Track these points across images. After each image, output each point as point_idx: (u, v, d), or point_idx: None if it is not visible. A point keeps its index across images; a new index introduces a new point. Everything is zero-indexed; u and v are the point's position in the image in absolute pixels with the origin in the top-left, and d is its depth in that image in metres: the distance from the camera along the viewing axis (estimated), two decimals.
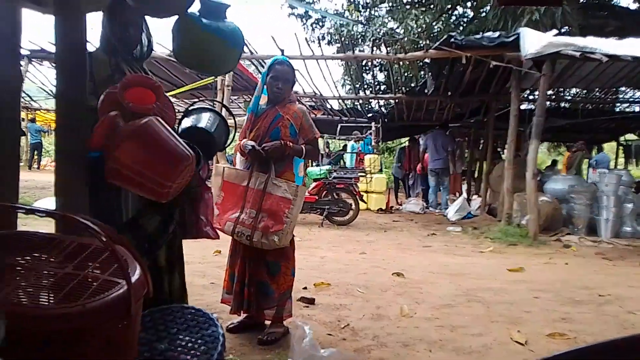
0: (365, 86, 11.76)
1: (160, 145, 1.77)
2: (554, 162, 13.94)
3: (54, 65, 9.61)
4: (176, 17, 2.37)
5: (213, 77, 8.20)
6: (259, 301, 2.74)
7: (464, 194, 10.78)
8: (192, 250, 4.99)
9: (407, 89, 10.48)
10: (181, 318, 1.72)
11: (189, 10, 2.41)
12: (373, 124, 11.60)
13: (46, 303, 1.14)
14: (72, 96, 1.83)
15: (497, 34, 7.26)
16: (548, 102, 9.40)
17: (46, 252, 1.35)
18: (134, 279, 1.13)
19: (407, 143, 12.31)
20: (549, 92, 9.65)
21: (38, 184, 10.43)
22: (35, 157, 17.21)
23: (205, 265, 4.53)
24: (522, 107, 9.75)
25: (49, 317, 1.03)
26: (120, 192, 2.08)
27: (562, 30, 9.72)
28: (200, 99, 9.35)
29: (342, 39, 11.66)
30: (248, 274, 2.77)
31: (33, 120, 16.64)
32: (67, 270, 1.22)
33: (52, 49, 8.96)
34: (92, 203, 1.85)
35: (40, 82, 11.77)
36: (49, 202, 7.53)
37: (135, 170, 1.75)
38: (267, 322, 2.78)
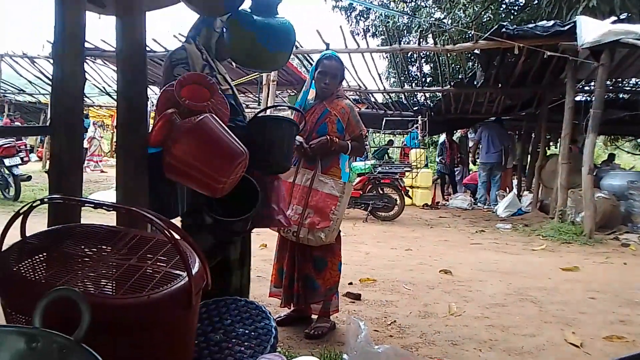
0: (411, 79, 11.59)
1: (215, 141, 1.82)
2: (611, 156, 13.28)
3: (106, 63, 10.06)
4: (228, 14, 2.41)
5: (259, 73, 8.30)
6: (306, 295, 2.77)
7: (515, 190, 10.46)
8: None
9: (455, 81, 10.24)
10: (235, 310, 1.77)
11: (241, 7, 2.45)
12: (419, 117, 11.42)
13: (111, 293, 1.19)
14: (133, 94, 1.90)
15: (551, 22, 6.98)
16: (606, 94, 8.94)
17: (111, 244, 1.42)
18: (194, 271, 1.17)
19: (445, 137, 11.98)
20: (607, 82, 9.20)
21: (91, 178, 10.93)
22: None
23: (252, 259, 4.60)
24: (578, 98, 9.33)
25: (115, 307, 1.08)
26: (176, 188, 2.14)
27: (622, 17, 9.21)
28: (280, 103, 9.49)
29: (387, 30, 11.50)
30: (296, 269, 2.81)
31: (86, 117, 17.39)
32: (131, 262, 1.27)
33: (106, 47, 9.33)
34: (151, 197, 1.92)
35: (93, 79, 12.28)
36: (104, 196, 7.87)
37: (191, 165, 1.80)
38: (314, 317, 2.82)
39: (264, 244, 5.17)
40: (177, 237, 1.22)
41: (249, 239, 2.44)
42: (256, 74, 8.46)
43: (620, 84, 11.51)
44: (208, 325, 1.71)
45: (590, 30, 6.13)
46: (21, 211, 1.27)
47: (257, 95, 9.85)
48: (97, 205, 1.25)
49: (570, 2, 9.42)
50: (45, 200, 1.31)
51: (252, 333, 1.69)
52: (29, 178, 8.30)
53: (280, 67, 3.15)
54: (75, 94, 1.97)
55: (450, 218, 8.38)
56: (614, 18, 7.40)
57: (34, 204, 1.23)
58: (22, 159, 8.13)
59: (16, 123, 14.55)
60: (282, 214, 2.32)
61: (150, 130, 1.94)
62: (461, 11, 12.42)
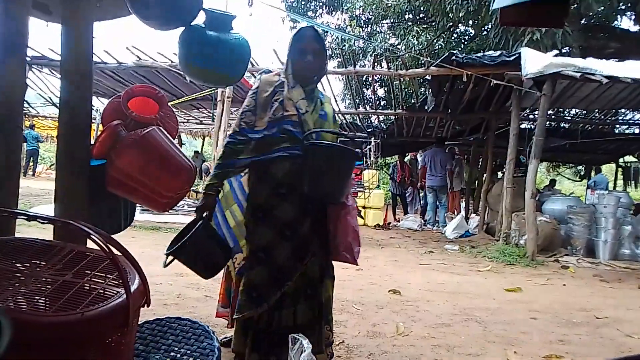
0: (365, 101, 11.82)
1: (161, 155, 1.78)
2: (553, 182, 13.95)
3: (53, 72, 9.69)
4: (182, 28, 2.39)
5: (213, 88, 8.24)
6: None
7: (462, 212, 10.77)
8: None
9: (407, 105, 10.54)
10: (177, 329, 1.71)
11: (195, 22, 2.43)
12: (372, 139, 11.64)
13: (44, 310, 1.13)
14: (76, 104, 1.83)
15: (498, 52, 7.33)
16: (548, 122, 9.44)
17: (45, 259, 1.35)
18: (133, 288, 1.13)
19: (397, 158, 12.34)
20: (549, 111, 9.71)
21: (33, 191, 10.41)
22: (31, 164, 17.16)
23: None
24: (522, 126, 9.80)
25: (47, 325, 1.02)
26: (119, 201, 2.07)
27: (563, 51, 9.81)
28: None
29: (343, 53, 11.74)
30: None
31: (32, 127, 16.64)
32: (67, 277, 1.21)
33: (53, 55, 8.96)
34: (94, 211, 1.85)
35: (39, 88, 11.80)
36: (46, 210, 7.50)
37: (135, 179, 1.75)
38: None
39: None
40: (116, 252, 1.17)
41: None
42: (211, 89, 8.39)
43: (561, 114, 12.19)
44: (147, 345, 1.64)
45: (534, 61, 6.48)
46: None
47: (212, 112, 9.74)
48: (31, 217, 1.19)
49: (516, 34, 9.94)
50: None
51: (195, 353, 1.64)
52: None
53: (232, 83, 3.13)
54: (14, 101, 1.88)
55: (401, 238, 8.51)
56: (556, 51, 7.87)
57: None
58: None
59: None
60: (348, 249, 2.09)
61: (94, 142, 1.88)
62: (415, 38, 12.86)
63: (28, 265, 1.34)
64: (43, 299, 1.19)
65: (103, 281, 1.24)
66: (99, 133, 1.85)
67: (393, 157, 15.00)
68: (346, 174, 2.11)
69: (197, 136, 18.17)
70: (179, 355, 1.59)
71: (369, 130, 12.52)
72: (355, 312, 3.54)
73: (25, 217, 1.23)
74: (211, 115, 10.07)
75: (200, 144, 20.44)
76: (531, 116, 10.92)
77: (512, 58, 6.84)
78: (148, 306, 1.18)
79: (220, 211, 2.47)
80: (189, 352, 1.61)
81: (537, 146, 6.60)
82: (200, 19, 2.46)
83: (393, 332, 3.11)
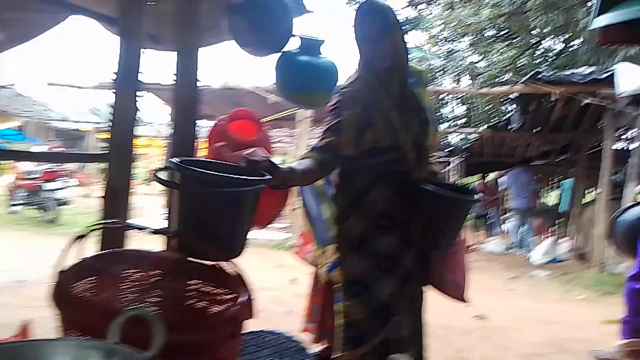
0: (443, 119, 11.61)
1: None
2: None
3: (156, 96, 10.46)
4: (278, 54, 2.52)
5: (296, 109, 8.49)
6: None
7: (551, 237, 10.15)
8: (267, 277, 5.12)
9: (490, 124, 10.20)
10: (271, 342, 1.78)
11: (288, 48, 2.55)
12: (453, 158, 11.37)
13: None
14: (185, 126, 1.99)
15: (589, 70, 6.94)
16: None
17: (159, 269, 1.46)
18: (242, 299, 1.19)
19: (478, 179, 11.92)
20: None
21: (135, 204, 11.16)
22: None
23: (281, 292, 4.61)
24: (617, 146, 9.14)
25: (179, 330, 1.09)
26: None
27: None
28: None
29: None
30: (329, 306, 2.79)
31: None
32: (180, 287, 1.31)
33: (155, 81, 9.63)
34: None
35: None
36: (146, 222, 8.05)
37: None
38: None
39: (294, 279, 5.16)
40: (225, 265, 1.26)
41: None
42: (292, 110, 8.64)
43: None
44: (245, 356, 1.72)
45: (630, 78, 6.06)
46: (79, 234, 1.32)
47: (292, 131, 10.01)
48: (156, 232, 1.30)
49: (608, 50, 9.37)
50: (104, 224, 1.37)
51: None
52: (67, 202, 8.59)
53: (321, 105, 3.22)
54: (128, 124, 2.08)
55: (484, 262, 8.18)
56: None
57: (93, 228, 1.28)
58: (63, 183, 8.45)
59: (58, 149, 15.16)
60: (457, 286, 1.97)
61: None
62: (496, 55, 12.49)
63: (144, 273, 1.46)
64: (159, 306, 1.29)
65: (213, 292, 1.33)
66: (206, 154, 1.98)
67: (474, 177, 14.54)
68: (463, 223, 1.90)
69: (277, 154, 18.75)
70: None
71: (447, 149, 12.26)
72: (439, 336, 3.45)
73: (148, 231, 1.35)
74: (290, 134, 10.35)
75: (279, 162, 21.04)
76: (626, 135, 10.17)
77: (604, 76, 6.44)
78: (251, 317, 1.25)
79: (316, 204, 2.53)
80: None
81: (634, 168, 6.12)
82: (292, 45, 2.60)
83: None
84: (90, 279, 1.32)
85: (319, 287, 2.87)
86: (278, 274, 5.60)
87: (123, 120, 2.01)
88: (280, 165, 1.56)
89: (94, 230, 1.28)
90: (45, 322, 2.91)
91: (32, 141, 12.94)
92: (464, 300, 1.98)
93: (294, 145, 8.74)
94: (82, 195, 12.67)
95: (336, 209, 1.93)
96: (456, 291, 1.96)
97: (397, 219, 1.80)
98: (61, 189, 8.33)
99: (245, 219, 1.37)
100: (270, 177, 1.40)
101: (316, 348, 2.87)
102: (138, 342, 0.73)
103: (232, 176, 1.28)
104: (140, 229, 1.32)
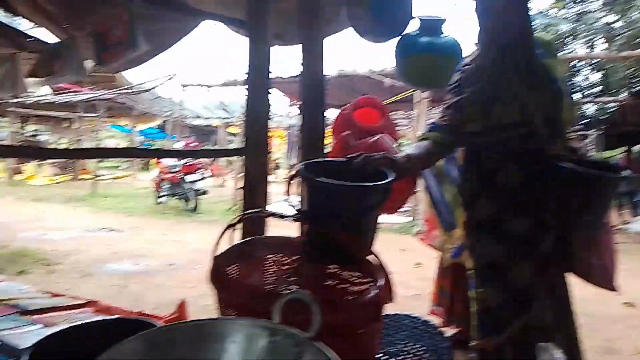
0: (576, 89, 10.57)
1: None
2: None
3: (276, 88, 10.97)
4: (397, 38, 2.51)
5: (412, 91, 8.33)
6: (467, 317, 2.68)
7: None
8: (392, 261, 5.15)
9: (632, 91, 9.07)
10: (408, 326, 1.80)
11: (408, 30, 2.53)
12: (589, 131, 10.34)
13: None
14: (313, 117, 2.08)
15: None
16: None
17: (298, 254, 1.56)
18: (381, 283, 1.23)
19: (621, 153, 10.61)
20: None
21: None
22: None
23: (407, 276, 4.61)
24: None
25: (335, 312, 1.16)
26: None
27: None
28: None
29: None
30: (457, 290, 2.75)
31: None
32: (322, 272, 1.39)
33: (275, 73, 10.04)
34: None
35: None
36: (279, 207, 8.58)
37: None
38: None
39: (418, 263, 5.14)
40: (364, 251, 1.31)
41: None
42: (409, 92, 8.50)
43: None
44: (382, 339, 1.77)
45: None
46: (230, 224, 1.47)
47: (409, 113, 9.86)
48: (282, 217, 1.39)
49: None
50: (250, 214, 1.49)
51: (429, 350, 1.70)
52: (205, 192, 9.43)
53: (444, 86, 3.14)
54: (262, 119, 2.22)
55: (631, 244, 7.37)
56: None
57: (245, 216, 1.41)
58: (201, 175, 9.27)
59: (192, 144, 16.58)
60: (604, 273, 1.81)
61: (328, 152, 2.10)
62: (636, 13, 10.99)
63: (288, 259, 1.56)
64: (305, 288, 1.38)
65: (348, 277, 1.39)
66: (332, 144, 2.06)
67: (616, 150, 13.05)
68: (608, 203, 1.73)
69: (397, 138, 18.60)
70: (412, 351, 1.67)
71: (582, 122, 11.15)
72: (584, 323, 3.21)
73: (278, 217, 1.44)
74: (408, 116, 10.20)
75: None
76: None
77: None
78: (391, 302, 1.28)
79: (436, 186, 2.50)
80: (422, 349, 1.68)
81: None
82: (412, 27, 2.56)
83: (632, 350, 2.74)
84: (239, 263, 1.46)
85: (445, 271, 2.85)
86: (402, 258, 5.61)
87: (256, 116, 2.15)
88: (397, 158, 1.56)
89: (242, 219, 1.41)
90: (196, 301, 3.25)
91: (171, 138, 14.34)
92: (612, 287, 1.80)
93: (411, 127, 8.61)
94: (217, 185, 13.81)
95: (464, 190, 1.87)
96: (604, 277, 1.79)
97: (531, 200, 1.68)
98: (199, 180, 9.15)
99: (374, 215, 1.41)
100: (392, 179, 1.39)
101: (448, 332, 2.85)
102: (295, 323, 0.80)
103: (354, 185, 1.31)
104: (282, 217, 1.42)
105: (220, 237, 1.37)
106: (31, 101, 13.04)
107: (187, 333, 0.78)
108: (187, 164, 9.00)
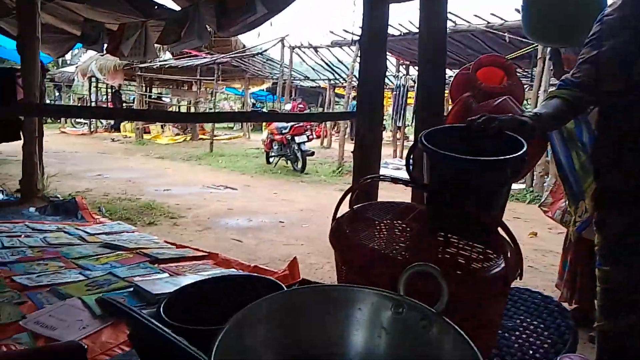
0: None
1: None
2: None
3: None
4: None
5: (533, 46, 7.65)
6: (590, 295, 2.49)
7: None
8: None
9: None
10: (528, 300, 1.71)
11: None
12: None
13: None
14: (432, 79, 1.98)
15: None
16: None
17: (417, 221, 1.52)
18: (509, 259, 1.16)
19: None
20: None
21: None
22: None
23: (522, 247, 4.36)
24: None
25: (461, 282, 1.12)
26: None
27: None
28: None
29: None
30: (581, 265, 2.58)
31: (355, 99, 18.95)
32: (442, 241, 1.34)
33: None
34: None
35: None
36: (388, 172, 8.58)
37: None
38: None
39: (533, 232, 4.84)
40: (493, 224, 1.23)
41: None
42: (530, 47, 7.82)
43: None
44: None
45: None
46: (351, 187, 1.46)
47: (529, 71, 9.12)
48: (394, 181, 1.35)
49: None
50: (370, 179, 1.48)
51: (550, 328, 1.60)
52: (312, 153, 9.65)
53: (577, 42, 2.82)
54: (377, 81, 2.16)
55: None
56: None
57: (367, 180, 1.39)
58: (307, 137, 9.48)
59: (299, 105, 16.92)
60: None
61: (446, 115, 2.00)
62: None
63: (404, 225, 1.53)
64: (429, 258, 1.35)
65: (472, 248, 1.33)
66: (451, 106, 1.95)
67: None
68: None
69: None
70: (531, 327, 1.58)
71: None
72: None
73: (403, 183, 1.41)
74: (528, 74, 9.45)
75: None
76: None
77: None
78: (520, 279, 1.20)
79: (564, 152, 2.28)
80: (542, 326, 1.58)
81: None
82: None
83: None
84: (358, 226, 1.46)
85: (570, 245, 2.66)
86: (516, 226, 5.31)
87: (371, 78, 2.10)
88: (526, 119, 1.42)
89: (364, 183, 1.41)
90: (304, 259, 3.36)
91: (281, 100, 14.77)
92: None
93: (531, 87, 7.96)
94: (323, 147, 14.07)
95: (596, 158, 1.67)
96: None
97: None
98: (306, 141, 9.37)
99: (507, 188, 1.31)
100: (526, 148, 1.25)
101: (568, 307, 2.68)
102: (419, 296, 0.78)
103: (485, 160, 1.20)
104: (407, 183, 1.38)
105: (342, 199, 1.38)
106: (156, 66, 14.12)
107: (317, 297, 0.79)
108: (296, 125, 9.23)
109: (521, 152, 1.21)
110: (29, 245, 3.25)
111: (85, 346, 1.13)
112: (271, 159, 10.11)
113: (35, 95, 4.40)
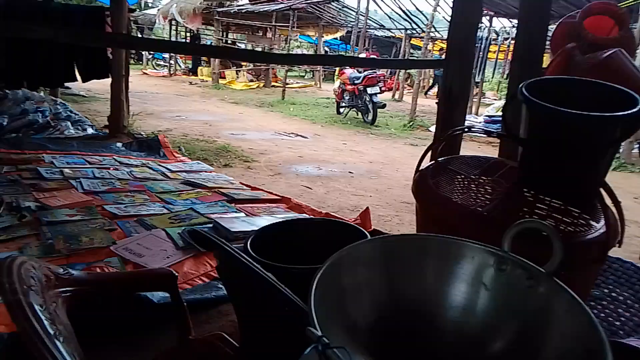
0: None
1: (625, 81, 1.60)
2: None
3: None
4: None
5: None
6: None
7: None
8: None
9: None
10: (619, 270, 1.61)
11: None
12: None
13: None
14: (533, 27, 1.83)
15: None
16: None
17: (509, 179, 1.45)
18: (611, 224, 1.08)
19: None
20: None
21: (432, 109, 11.55)
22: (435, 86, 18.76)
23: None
24: None
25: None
26: None
27: None
28: None
29: None
30: None
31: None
32: (536, 202, 1.28)
33: None
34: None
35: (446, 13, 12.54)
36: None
37: None
38: None
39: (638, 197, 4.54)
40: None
41: None
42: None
43: None
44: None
45: None
46: (435, 142, 1.41)
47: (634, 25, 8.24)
48: (486, 132, 1.28)
49: None
50: (457, 131, 1.41)
51: (637, 303, 1.51)
52: (384, 106, 9.45)
53: None
54: (469, 28, 2.03)
55: None
56: None
57: (455, 132, 1.34)
58: (380, 88, 9.25)
59: (372, 55, 16.44)
60: None
61: (546, 67, 1.86)
62: None
63: (490, 180, 1.47)
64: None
65: (565, 210, 1.25)
66: (552, 58, 1.80)
67: None
68: None
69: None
70: (621, 298, 1.50)
71: None
72: None
73: (481, 134, 1.34)
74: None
75: None
76: None
77: None
78: (620, 246, 1.13)
79: None
80: (632, 298, 1.50)
81: None
82: None
83: None
84: (442, 179, 1.42)
85: None
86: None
87: (464, 24, 1.97)
88: None
89: (450, 135, 1.35)
90: (373, 211, 3.35)
91: (355, 50, 14.44)
92: None
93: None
94: (393, 100, 13.74)
95: None
96: None
97: None
98: (378, 93, 9.16)
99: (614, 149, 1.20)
100: (637, 109, 1.12)
101: None
102: (525, 255, 0.74)
103: (592, 115, 1.09)
104: (501, 136, 1.31)
105: (427, 151, 1.34)
106: (233, 10, 14.17)
107: (417, 246, 0.78)
108: (368, 76, 9.02)
109: (637, 109, 1.10)
110: (117, 178, 3.48)
111: (176, 274, 1.19)
112: (341, 110, 10.02)
113: (122, 32, 4.57)
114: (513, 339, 0.68)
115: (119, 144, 4.74)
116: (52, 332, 0.66)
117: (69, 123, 5.22)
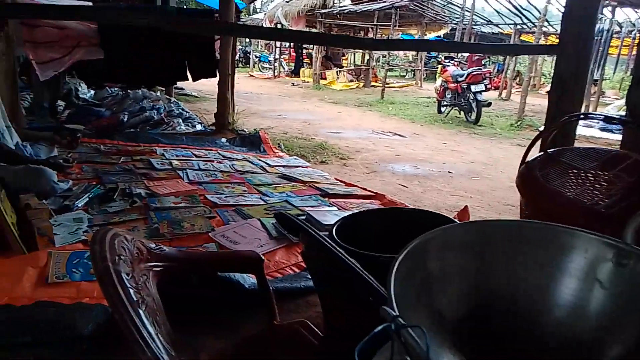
0: None
1: None
2: None
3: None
4: None
5: None
6: None
7: None
8: None
9: None
10: None
11: None
12: None
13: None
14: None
15: None
16: None
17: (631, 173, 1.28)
18: None
19: None
20: None
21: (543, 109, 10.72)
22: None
23: None
24: None
25: None
26: None
27: None
28: None
29: None
30: None
31: None
32: None
33: None
34: None
35: (560, 5, 11.61)
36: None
37: None
38: None
39: None
40: None
41: None
42: None
43: None
44: None
45: None
46: (542, 131, 1.28)
47: None
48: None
49: None
50: (579, 117, 1.27)
51: None
52: (489, 104, 8.97)
53: None
54: (588, 11, 1.83)
55: None
56: None
57: (568, 120, 1.20)
58: (485, 86, 8.80)
59: (475, 57, 15.69)
60: None
61: None
62: None
63: (607, 173, 1.30)
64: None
65: None
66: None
67: None
68: None
69: None
70: None
71: None
72: None
73: (601, 120, 1.17)
74: None
75: None
76: None
77: None
78: None
79: None
80: None
81: None
82: None
83: None
84: (551, 172, 1.28)
85: None
86: None
87: (580, 7, 1.78)
88: None
89: (563, 124, 1.21)
90: (473, 212, 3.18)
91: None
92: None
93: None
94: (499, 99, 13.02)
95: None
96: None
97: None
98: (483, 91, 8.72)
99: None
100: None
101: None
102: None
103: None
104: (625, 122, 1.15)
105: (535, 140, 1.22)
106: (336, 11, 14.34)
107: (517, 233, 0.69)
108: (473, 73, 8.62)
109: None
110: (219, 170, 3.66)
111: (263, 258, 1.20)
112: (443, 109, 9.69)
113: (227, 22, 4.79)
114: (635, 345, 0.57)
115: (224, 140, 4.99)
116: (135, 299, 0.68)
117: (180, 120, 5.62)
